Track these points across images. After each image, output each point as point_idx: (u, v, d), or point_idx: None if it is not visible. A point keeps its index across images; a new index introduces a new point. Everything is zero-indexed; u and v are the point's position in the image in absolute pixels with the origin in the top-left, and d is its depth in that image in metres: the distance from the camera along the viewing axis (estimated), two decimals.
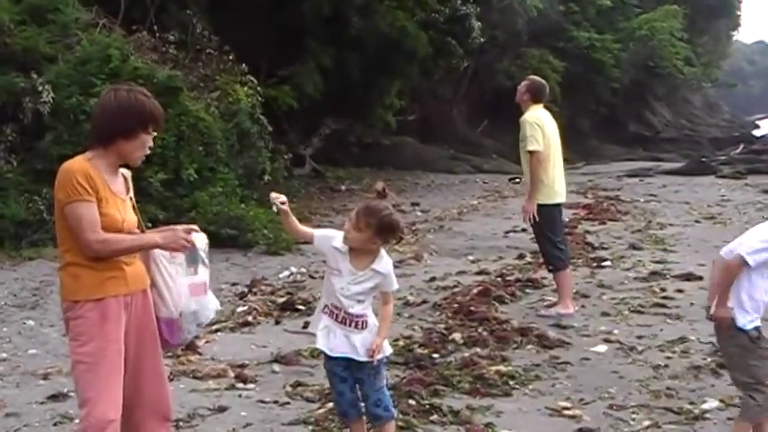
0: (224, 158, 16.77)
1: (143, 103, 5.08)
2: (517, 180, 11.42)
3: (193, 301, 5.47)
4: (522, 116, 11.12)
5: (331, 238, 5.90)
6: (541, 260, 12.17)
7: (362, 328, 5.84)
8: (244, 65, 19.52)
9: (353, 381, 5.98)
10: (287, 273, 13.81)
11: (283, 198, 5.84)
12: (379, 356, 5.85)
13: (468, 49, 32.75)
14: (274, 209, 5.84)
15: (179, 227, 5.39)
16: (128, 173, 5.28)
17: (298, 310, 11.36)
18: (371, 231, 5.73)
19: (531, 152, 10.85)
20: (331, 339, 5.87)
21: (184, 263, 5.43)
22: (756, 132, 75.04)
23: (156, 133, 5.19)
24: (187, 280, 5.46)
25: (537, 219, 10.90)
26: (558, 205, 11.20)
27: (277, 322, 10.81)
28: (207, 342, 9.68)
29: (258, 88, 19.69)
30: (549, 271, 11.40)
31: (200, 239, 5.50)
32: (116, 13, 19.13)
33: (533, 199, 10.90)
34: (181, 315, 5.42)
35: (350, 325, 5.83)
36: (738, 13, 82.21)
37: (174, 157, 15.62)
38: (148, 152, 5.21)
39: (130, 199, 5.24)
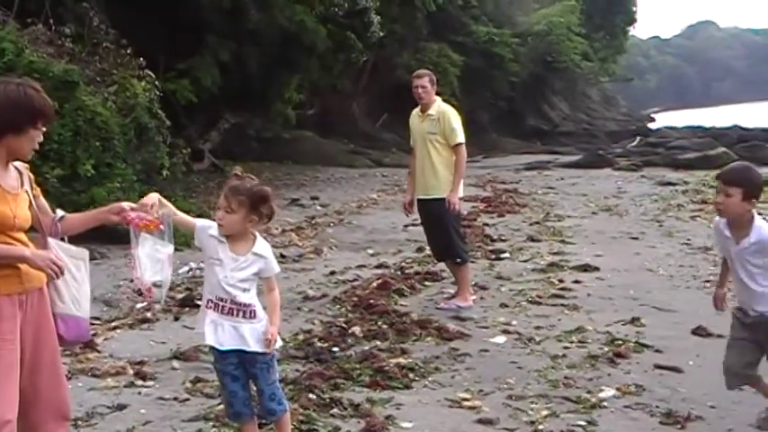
0: (122, 154, 16.53)
1: (32, 98, 4.96)
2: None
3: (170, 271, 5.56)
4: (426, 109, 11.17)
5: (208, 227, 5.80)
6: None
7: (251, 317, 5.76)
8: (141, 59, 19.26)
9: (246, 378, 5.90)
10: (186, 268, 13.69)
11: (149, 201, 5.58)
12: (275, 346, 5.83)
13: (368, 44, 32.75)
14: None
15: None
16: (23, 166, 5.18)
17: (197, 305, 11.22)
18: (245, 209, 5.64)
19: (459, 144, 10.99)
20: (219, 333, 5.75)
21: (165, 236, 5.50)
22: (652, 125, 76.45)
23: (45, 129, 5.09)
24: (168, 251, 5.52)
25: (448, 212, 10.98)
26: None
27: (176, 318, 10.73)
28: (105, 339, 9.59)
29: (156, 82, 19.45)
30: (457, 263, 11.39)
31: (170, 212, 5.59)
32: (10, 6, 18.73)
33: (457, 192, 10.99)
34: (159, 285, 5.49)
35: (237, 315, 5.73)
36: (634, 9, 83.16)
37: (70, 152, 15.34)
38: (38, 147, 5.12)
39: (27, 193, 5.14)
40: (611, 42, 76.83)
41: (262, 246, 5.82)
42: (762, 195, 6.76)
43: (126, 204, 5.44)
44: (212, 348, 5.88)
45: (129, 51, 19.16)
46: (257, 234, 5.85)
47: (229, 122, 30.60)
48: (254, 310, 5.79)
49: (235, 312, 5.75)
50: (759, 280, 6.58)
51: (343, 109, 41.48)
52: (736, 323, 6.85)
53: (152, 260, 5.47)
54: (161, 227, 5.46)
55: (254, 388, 5.99)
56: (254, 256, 5.76)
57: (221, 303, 5.75)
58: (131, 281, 13.19)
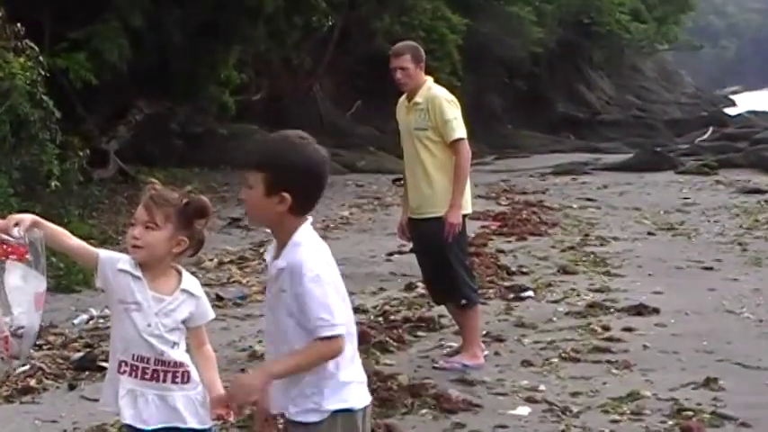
0: None
1: None
2: (402, 182, 11.45)
3: (38, 316, 5.47)
4: (413, 95, 11.15)
5: (116, 260, 5.63)
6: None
7: (184, 381, 5.63)
8: (19, 24, 19.28)
9: None
10: (85, 317, 13.65)
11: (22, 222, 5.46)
12: (218, 421, 5.74)
13: (334, 2, 32.80)
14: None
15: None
16: None
17: (101, 368, 11.22)
18: (174, 224, 5.51)
19: (458, 140, 10.90)
20: (141, 407, 5.59)
21: (35, 267, 5.40)
22: (730, 111, 76.47)
23: None
24: (37, 288, 5.44)
25: (454, 235, 10.93)
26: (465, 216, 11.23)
27: (72, 387, 10.67)
28: None
29: (41, 57, 19.46)
30: (462, 306, 11.33)
31: (40, 236, 5.46)
32: None
33: (459, 208, 10.90)
34: (20, 335, 5.39)
35: (165, 380, 5.59)
36: None
37: None
38: None
39: None
40: None
41: (190, 282, 5.71)
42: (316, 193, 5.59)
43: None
44: (130, 429, 5.72)
45: (0, 14, 19.14)
46: (181, 268, 5.75)
47: (143, 113, 30.64)
48: (188, 372, 5.64)
49: (161, 376, 5.60)
50: (292, 340, 5.20)
51: (300, 93, 41.55)
52: None
53: (16, 298, 5.40)
54: (27, 256, 5.38)
55: None
56: (183, 295, 5.63)
57: (142, 365, 5.60)
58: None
